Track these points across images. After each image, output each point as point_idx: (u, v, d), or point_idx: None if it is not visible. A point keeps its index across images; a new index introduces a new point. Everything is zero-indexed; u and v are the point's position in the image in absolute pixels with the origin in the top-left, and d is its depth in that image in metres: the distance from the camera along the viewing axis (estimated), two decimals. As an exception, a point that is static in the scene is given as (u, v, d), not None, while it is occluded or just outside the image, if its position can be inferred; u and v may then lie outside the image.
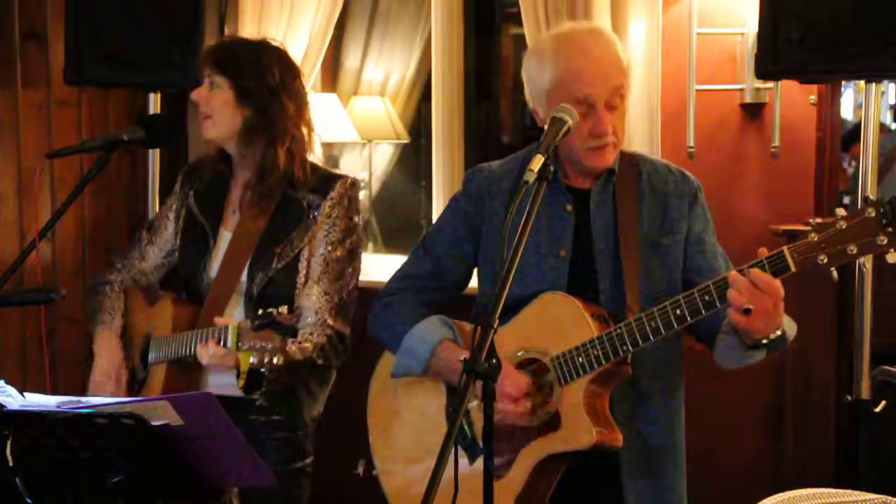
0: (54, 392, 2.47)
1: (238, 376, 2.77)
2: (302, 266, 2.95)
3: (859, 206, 2.21)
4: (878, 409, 3.23)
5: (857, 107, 4.02)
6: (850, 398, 3.28)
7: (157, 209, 4.05)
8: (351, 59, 5.57)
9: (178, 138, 4.51)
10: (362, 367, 2.86)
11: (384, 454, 2.78)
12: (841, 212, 2.21)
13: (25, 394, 2.35)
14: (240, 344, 2.62)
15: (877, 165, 3.30)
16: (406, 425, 2.73)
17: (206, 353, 2.77)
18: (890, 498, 1.97)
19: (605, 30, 2.66)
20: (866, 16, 3.04)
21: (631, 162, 2.64)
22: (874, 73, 3.17)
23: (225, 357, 2.74)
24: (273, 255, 2.94)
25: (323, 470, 3.16)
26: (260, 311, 2.63)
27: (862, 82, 3.29)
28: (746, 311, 2.28)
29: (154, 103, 3.98)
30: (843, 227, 2.20)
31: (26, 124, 4.29)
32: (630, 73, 2.58)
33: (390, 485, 2.76)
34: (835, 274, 2.22)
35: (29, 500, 2.26)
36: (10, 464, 2.25)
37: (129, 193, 4.58)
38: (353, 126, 5.33)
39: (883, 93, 3.91)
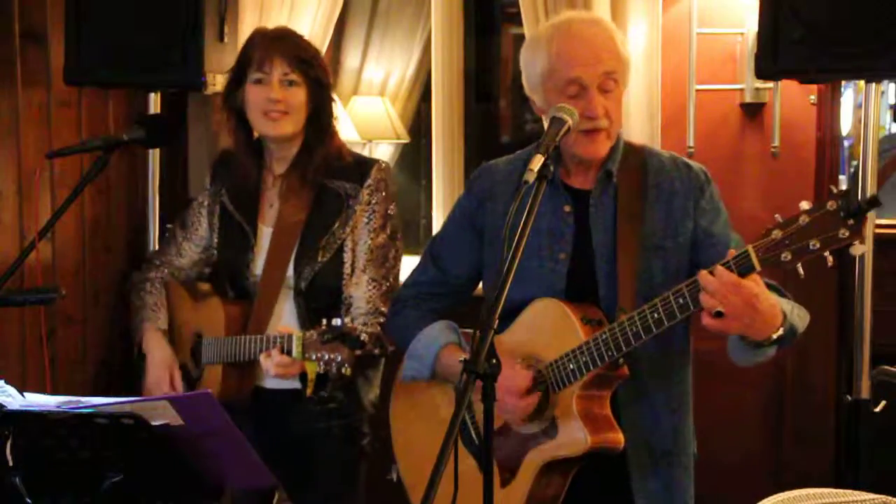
0: (54, 392, 2.47)
1: (305, 384, 2.78)
2: (347, 256, 2.96)
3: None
4: (878, 409, 3.23)
5: (857, 107, 4.02)
6: (850, 398, 3.28)
7: (158, 209, 4.07)
8: (351, 59, 5.57)
9: (178, 138, 4.51)
10: (393, 372, 2.87)
11: (406, 459, 2.79)
12: (805, 206, 2.18)
13: (25, 394, 2.36)
14: (306, 354, 2.62)
15: (876, 166, 3.30)
16: (423, 430, 2.74)
17: (271, 362, 2.77)
18: (890, 498, 1.97)
19: (602, 18, 2.65)
20: (866, 16, 3.04)
21: (636, 157, 2.61)
22: (874, 73, 3.17)
23: (290, 366, 2.75)
24: (318, 248, 2.95)
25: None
26: (325, 323, 2.63)
27: (862, 82, 3.29)
28: (718, 314, 2.27)
29: (154, 103, 3.98)
30: (806, 221, 2.17)
31: (26, 124, 4.28)
32: (627, 64, 2.55)
33: (413, 488, 2.77)
34: (801, 270, 2.19)
35: (29, 500, 2.26)
36: (10, 464, 2.25)
37: (129, 193, 4.57)
38: (353, 126, 5.33)
39: (883, 93, 3.90)
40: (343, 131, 5.17)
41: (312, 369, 2.67)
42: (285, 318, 2.94)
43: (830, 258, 2.17)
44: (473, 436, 2.60)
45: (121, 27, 3.75)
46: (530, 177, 2.19)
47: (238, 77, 2.98)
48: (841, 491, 2.01)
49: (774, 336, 2.34)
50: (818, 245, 2.15)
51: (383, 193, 2.97)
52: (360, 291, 2.93)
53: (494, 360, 2.01)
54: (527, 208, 2.18)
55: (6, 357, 4.21)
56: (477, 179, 2.73)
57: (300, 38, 3.03)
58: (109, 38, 3.77)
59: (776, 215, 2.22)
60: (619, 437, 2.47)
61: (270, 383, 3.00)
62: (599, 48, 2.50)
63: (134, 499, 2.30)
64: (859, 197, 2.17)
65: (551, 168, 2.24)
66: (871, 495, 1.99)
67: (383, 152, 5.80)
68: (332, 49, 5.07)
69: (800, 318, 2.47)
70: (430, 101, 4.68)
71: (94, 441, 2.25)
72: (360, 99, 5.54)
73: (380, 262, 2.95)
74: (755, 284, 2.26)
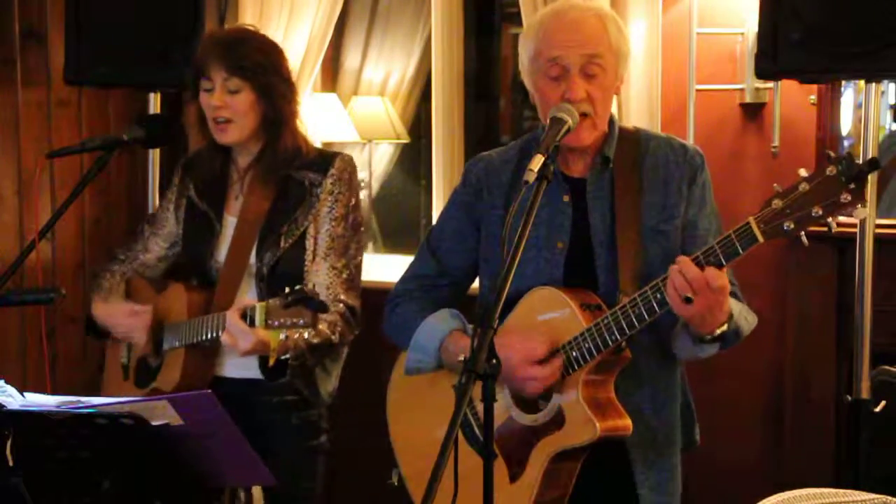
0: (54, 392, 2.47)
1: (264, 362, 2.78)
2: (309, 244, 2.97)
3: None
4: (878, 409, 3.22)
5: (857, 107, 4.01)
6: (850, 398, 3.28)
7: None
8: (351, 59, 5.57)
9: (178, 138, 4.51)
10: (382, 370, 2.86)
11: (408, 462, 2.78)
12: (803, 173, 2.16)
13: (25, 394, 2.36)
14: (269, 322, 2.61)
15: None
16: (424, 429, 2.71)
17: (233, 331, 2.74)
18: (890, 498, 1.97)
19: (601, 7, 2.61)
20: (866, 16, 3.04)
21: (632, 142, 2.59)
22: (874, 73, 3.17)
23: (245, 334, 2.71)
24: (279, 235, 2.96)
25: (357, 479, 3.13)
26: (288, 289, 2.61)
27: (862, 82, 3.29)
28: (688, 301, 2.27)
29: (154, 103, 3.98)
30: (806, 189, 2.14)
31: (26, 124, 4.29)
32: (620, 53, 2.52)
33: (418, 490, 2.75)
34: (804, 239, 2.17)
35: (29, 500, 2.26)
36: (10, 464, 2.25)
37: (129, 193, 4.58)
38: (353, 126, 5.33)
39: (883, 93, 3.89)
40: (343, 131, 5.23)
41: (275, 338, 2.65)
42: None
43: (834, 224, 2.15)
44: (477, 433, 2.59)
45: (121, 27, 3.75)
46: (530, 177, 2.19)
47: (195, 82, 2.98)
48: (841, 491, 2.01)
49: (718, 332, 2.34)
50: (820, 211, 2.14)
51: (346, 184, 2.99)
52: (320, 278, 2.94)
53: (494, 360, 2.01)
54: (526, 209, 2.17)
55: (6, 357, 4.22)
56: (471, 170, 2.72)
57: (246, 41, 2.95)
58: (109, 38, 3.77)
59: (775, 185, 2.20)
60: (627, 423, 2.45)
61: (230, 372, 3.01)
62: (585, 31, 2.48)
63: (134, 499, 2.30)
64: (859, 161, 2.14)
65: (552, 169, 2.24)
66: (871, 495, 1.99)
67: (383, 152, 5.80)
68: (332, 49, 5.07)
69: (746, 321, 2.48)
70: (430, 101, 4.68)
71: (94, 441, 2.25)
72: (360, 99, 5.54)
73: (341, 251, 2.96)
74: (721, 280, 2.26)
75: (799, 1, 3.09)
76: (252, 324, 2.68)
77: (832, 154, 2.15)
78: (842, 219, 2.17)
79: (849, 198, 2.11)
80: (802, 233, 2.17)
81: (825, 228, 2.17)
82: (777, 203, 2.18)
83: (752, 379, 3.93)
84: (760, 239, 2.21)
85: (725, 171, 3.93)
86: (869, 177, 3.16)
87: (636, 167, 2.56)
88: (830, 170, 2.12)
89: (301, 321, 2.60)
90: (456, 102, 4.63)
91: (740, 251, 2.24)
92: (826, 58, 3.10)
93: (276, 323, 2.60)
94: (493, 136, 5.95)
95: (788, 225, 2.17)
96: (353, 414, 3.24)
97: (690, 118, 3.86)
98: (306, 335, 2.64)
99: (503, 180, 2.65)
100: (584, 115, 2.46)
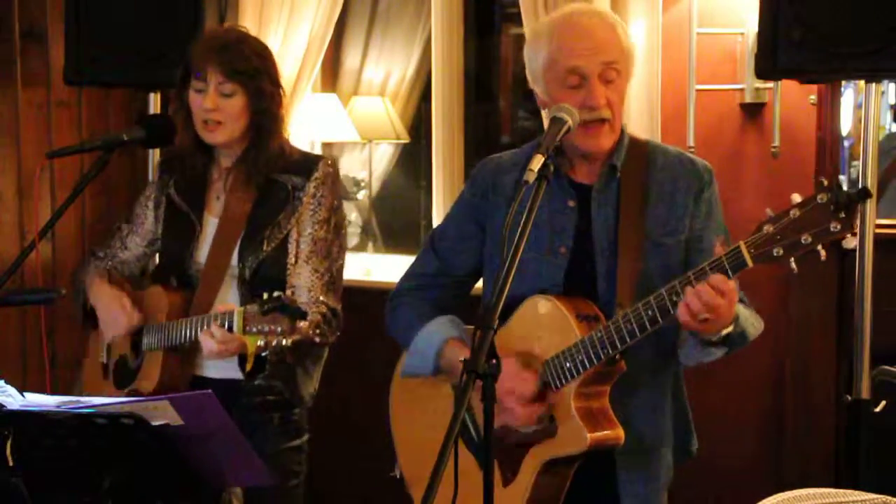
0: (54, 392, 2.47)
1: (243, 361, 2.78)
2: (291, 247, 2.98)
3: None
4: (878, 409, 3.23)
5: (857, 107, 4.01)
6: (850, 398, 3.28)
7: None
8: (351, 59, 5.57)
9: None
10: (383, 367, 2.87)
11: (406, 455, 2.79)
12: (796, 199, 2.17)
13: (25, 394, 2.36)
14: (247, 328, 2.63)
15: (877, 166, 3.30)
16: (423, 425, 2.72)
17: (213, 340, 2.75)
18: (890, 498, 1.97)
19: (604, 11, 2.63)
20: (866, 16, 3.04)
21: (641, 152, 2.59)
22: (874, 73, 3.17)
23: (230, 342, 2.73)
24: (262, 238, 2.97)
25: (358, 473, 3.12)
26: (266, 296, 2.63)
27: (862, 82, 3.29)
28: (703, 321, 2.28)
29: (154, 103, 3.98)
30: (797, 215, 2.15)
31: (26, 124, 4.30)
32: (631, 55, 2.54)
33: (413, 484, 2.76)
34: (794, 265, 2.18)
35: (29, 500, 2.27)
36: (10, 464, 2.25)
37: (129, 193, 4.58)
38: (353, 126, 5.33)
39: (883, 93, 3.89)
40: (343, 131, 5.23)
41: (253, 343, 2.67)
42: None
43: (823, 252, 2.16)
44: (473, 435, 2.59)
45: (121, 27, 3.76)
46: (530, 177, 2.19)
47: (184, 79, 2.98)
48: (841, 491, 2.01)
49: (724, 332, 2.35)
50: (810, 239, 2.14)
51: (329, 188, 3.00)
52: (302, 280, 2.95)
53: (494, 360, 2.01)
54: (526, 208, 2.17)
55: (6, 357, 4.23)
56: (480, 172, 2.73)
57: (243, 45, 2.96)
58: (109, 38, 3.77)
59: (767, 209, 2.21)
60: (619, 434, 2.46)
61: (210, 373, 3.01)
62: (600, 38, 2.49)
63: (134, 499, 2.30)
64: (850, 190, 2.14)
65: (552, 168, 2.24)
66: (871, 495, 2.00)
67: (383, 152, 5.80)
68: (332, 49, 5.07)
69: (753, 326, 2.49)
70: (430, 101, 4.68)
71: (94, 441, 2.25)
72: (360, 99, 5.54)
73: (323, 254, 2.97)
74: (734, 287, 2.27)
75: (799, 1, 3.09)
76: (231, 329, 2.70)
77: (824, 181, 2.15)
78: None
79: (838, 227, 2.12)
80: (792, 259, 2.17)
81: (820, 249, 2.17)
82: (768, 228, 2.19)
83: (752, 379, 3.93)
84: (750, 263, 2.22)
85: (725, 171, 3.92)
86: (868, 175, 3.22)
87: (643, 179, 2.56)
88: (821, 197, 2.13)
89: (279, 329, 2.62)
90: (456, 102, 4.63)
91: (730, 274, 2.26)
92: (826, 58, 3.09)
93: (255, 329, 2.62)
94: (493, 136, 5.95)
95: (778, 251, 2.17)
96: (348, 412, 3.24)
97: (690, 118, 3.86)
98: (284, 342, 2.65)
99: (509, 183, 2.64)
100: (603, 121, 2.48)
